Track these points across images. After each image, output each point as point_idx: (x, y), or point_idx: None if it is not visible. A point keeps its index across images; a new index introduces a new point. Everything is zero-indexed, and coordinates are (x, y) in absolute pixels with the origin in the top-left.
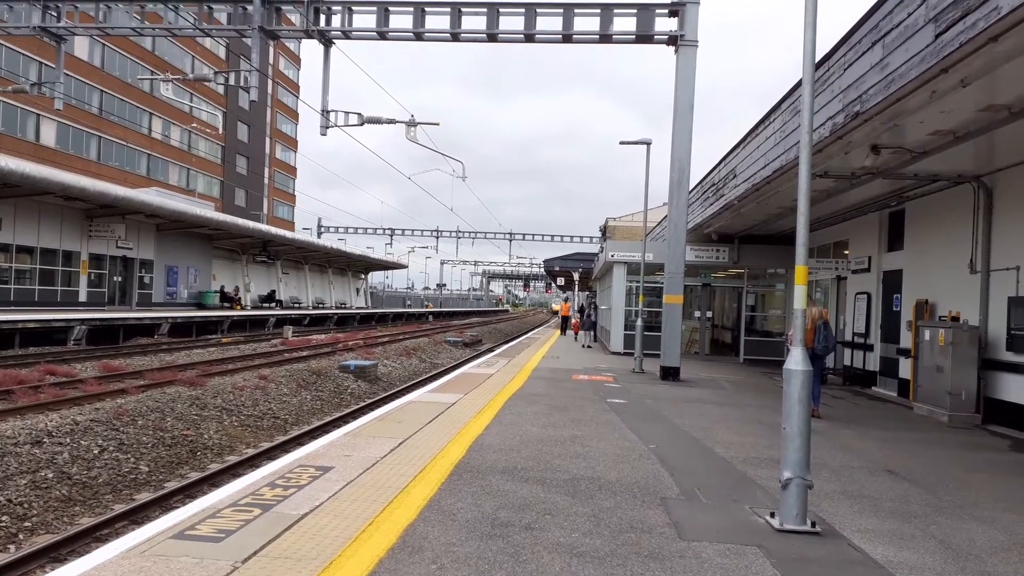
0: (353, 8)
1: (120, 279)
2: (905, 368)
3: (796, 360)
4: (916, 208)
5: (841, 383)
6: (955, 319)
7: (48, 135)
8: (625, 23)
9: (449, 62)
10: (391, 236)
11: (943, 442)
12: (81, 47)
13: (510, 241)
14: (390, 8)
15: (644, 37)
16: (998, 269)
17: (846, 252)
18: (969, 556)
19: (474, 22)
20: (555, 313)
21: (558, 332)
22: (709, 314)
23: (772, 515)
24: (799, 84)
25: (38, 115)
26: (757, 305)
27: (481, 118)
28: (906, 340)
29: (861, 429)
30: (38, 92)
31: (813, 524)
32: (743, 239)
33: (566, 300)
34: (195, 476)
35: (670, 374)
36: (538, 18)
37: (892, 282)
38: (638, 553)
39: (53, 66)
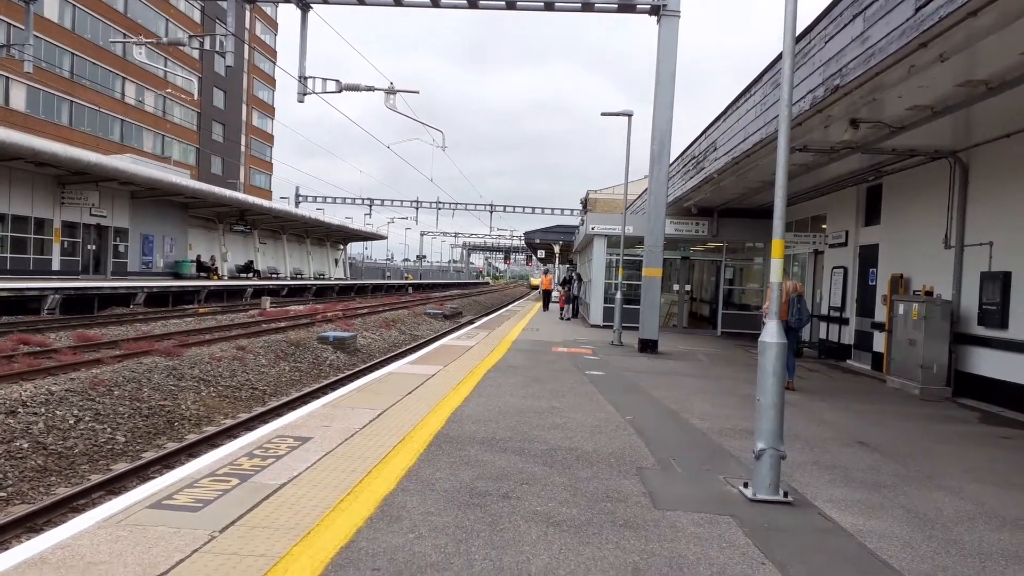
0: None
1: (94, 247)
2: (879, 342)
3: (771, 333)
4: (893, 183)
5: (816, 356)
6: (929, 293)
7: (18, 99)
8: None
9: (433, 31)
10: (370, 206)
11: (914, 414)
12: (51, 8)
13: (491, 213)
14: None
15: (626, 6)
16: (972, 244)
17: (824, 226)
18: (936, 524)
19: None
20: (534, 288)
21: (539, 305)
22: (688, 287)
23: (745, 485)
24: (780, 57)
25: (7, 78)
26: (735, 279)
27: (465, 88)
28: (881, 314)
29: (834, 401)
30: (7, 54)
31: (785, 494)
32: (722, 212)
33: (546, 272)
34: (172, 446)
35: (648, 347)
36: None
37: (868, 256)
38: (613, 522)
39: (22, 28)
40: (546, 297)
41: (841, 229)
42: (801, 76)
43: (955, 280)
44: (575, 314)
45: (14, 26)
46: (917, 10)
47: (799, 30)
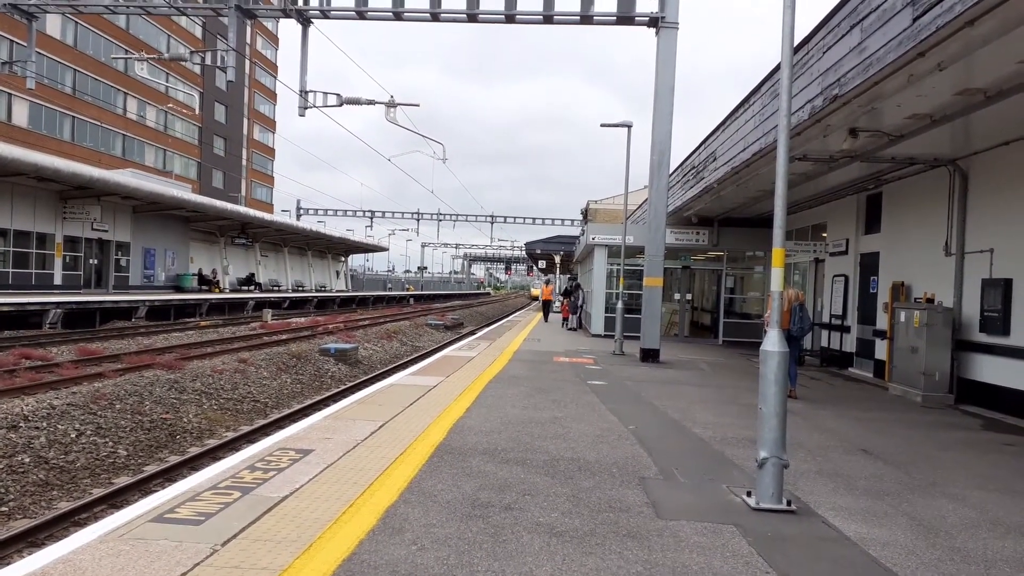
0: None
1: (96, 262)
2: (881, 349)
3: (773, 342)
4: (893, 191)
5: (818, 364)
6: (930, 301)
7: (20, 115)
8: (606, 4)
9: (433, 44)
10: (372, 218)
11: (917, 422)
12: (53, 25)
13: (491, 224)
14: None
15: (625, 19)
16: (972, 251)
17: (824, 235)
18: (940, 532)
19: (454, 1)
20: (534, 299)
21: (540, 316)
22: (688, 296)
23: (749, 494)
24: (778, 67)
25: (10, 94)
26: (736, 287)
27: (466, 101)
28: (882, 322)
29: (837, 409)
30: (9, 71)
31: (789, 503)
32: (722, 222)
33: (547, 282)
34: (174, 460)
35: (650, 356)
36: None
37: (869, 264)
38: (616, 532)
39: (25, 44)
40: (546, 308)
41: (841, 237)
42: (800, 86)
43: (956, 287)
44: (579, 324)
45: (17, 43)
46: (914, 20)
47: (797, 40)
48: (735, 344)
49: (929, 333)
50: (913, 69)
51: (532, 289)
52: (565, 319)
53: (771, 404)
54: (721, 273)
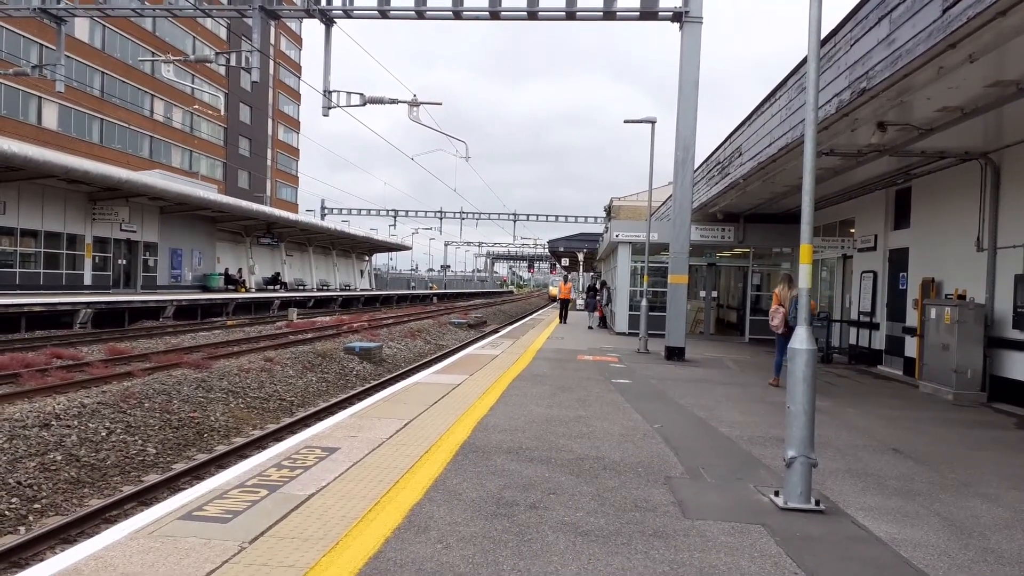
0: None
1: (124, 262)
2: (911, 346)
3: (801, 339)
4: (923, 186)
5: (847, 362)
6: (961, 297)
7: (50, 118)
8: None
9: (460, 44)
10: (395, 218)
11: (948, 420)
12: (82, 29)
13: (515, 222)
14: None
15: (648, 14)
16: (1005, 247)
17: (852, 230)
18: (973, 533)
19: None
20: (552, 299)
21: (558, 320)
22: (714, 294)
23: (776, 493)
24: (805, 61)
25: (39, 98)
26: (763, 284)
27: (491, 100)
28: (912, 319)
29: (866, 407)
30: (39, 74)
31: (817, 502)
32: (748, 218)
33: (565, 279)
34: (202, 458)
35: (675, 354)
36: None
37: (898, 260)
38: (642, 531)
39: (54, 48)
40: (564, 307)
41: (870, 233)
42: (827, 80)
43: (988, 283)
44: (603, 324)
45: (46, 47)
46: (945, 11)
47: (824, 33)
48: (762, 342)
49: (961, 330)
50: (943, 61)
51: (551, 288)
52: (602, 317)
53: (799, 402)
54: (747, 270)
